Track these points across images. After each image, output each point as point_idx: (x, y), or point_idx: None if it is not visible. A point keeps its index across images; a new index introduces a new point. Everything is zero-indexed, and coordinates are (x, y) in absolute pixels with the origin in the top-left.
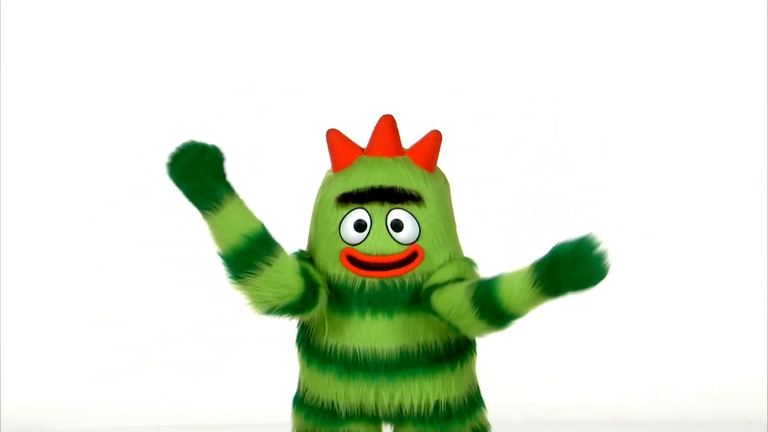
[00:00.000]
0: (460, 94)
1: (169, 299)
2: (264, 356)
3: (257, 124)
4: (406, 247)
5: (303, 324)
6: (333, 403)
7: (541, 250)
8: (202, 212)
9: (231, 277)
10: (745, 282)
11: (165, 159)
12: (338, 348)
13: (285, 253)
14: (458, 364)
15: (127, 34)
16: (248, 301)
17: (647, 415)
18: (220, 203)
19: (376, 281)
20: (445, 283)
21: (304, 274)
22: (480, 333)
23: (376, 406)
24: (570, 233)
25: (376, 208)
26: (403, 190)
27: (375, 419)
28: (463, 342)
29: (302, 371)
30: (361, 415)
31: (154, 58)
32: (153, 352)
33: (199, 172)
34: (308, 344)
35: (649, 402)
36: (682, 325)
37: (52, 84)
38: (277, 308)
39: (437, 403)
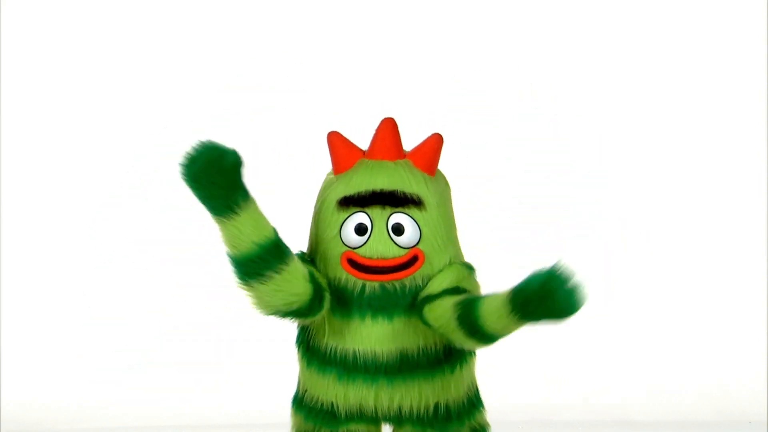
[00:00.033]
0: (460, 94)
1: (169, 299)
2: (264, 356)
3: (257, 124)
4: (406, 250)
5: (303, 325)
6: (332, 404)
7: (541, 250)
8: (215, 217)
9: (238, 279)
10: (745, 282)
11: (180, 159)
12: (338, 350)
13: (295, 260)
14: (458, 367)
15: (127, 35)
16: (253, 303)
17: (647, 415)
18: (235, 211)
19: (376, 284)
20: (439, 294)
21: (312, 279)
22: (473, 347)
23: (375, 408)
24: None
25: (377, 211)
26: (404, 194)
27: (374, 419)
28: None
29: (302, 372)
30: (360, 416)
31: (155, 59)
32: (153, 352)
33: (216, 178)
34: (308, 346)
35: (649, 402)
36: (682, 325)
37: (52, 84)
38: (282, 312)
39: (437, 406)
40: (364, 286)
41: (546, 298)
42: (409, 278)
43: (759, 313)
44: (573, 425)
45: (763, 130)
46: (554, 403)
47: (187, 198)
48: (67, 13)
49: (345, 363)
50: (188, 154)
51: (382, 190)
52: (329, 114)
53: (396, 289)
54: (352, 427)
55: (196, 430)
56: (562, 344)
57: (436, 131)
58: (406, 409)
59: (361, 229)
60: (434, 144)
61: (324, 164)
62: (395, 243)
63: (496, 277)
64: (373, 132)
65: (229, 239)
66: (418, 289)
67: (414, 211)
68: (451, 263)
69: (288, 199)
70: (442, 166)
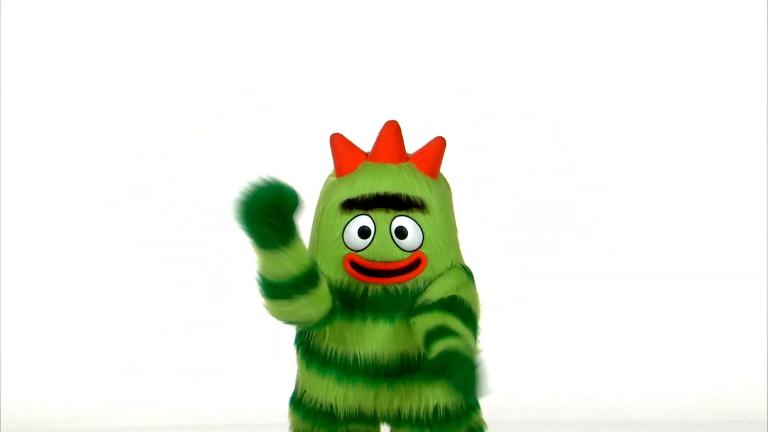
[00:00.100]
0: (460, 94)
1: (169, 299)
2: (264, 356)
3: (257, 124)
4: (409, 254)
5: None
6: (332, 405)
7: (541, 250)
8: (258, 249)
9: (265, 298)
10: (745, 282)
11: (238, 195)
12: (339, 352)
13: (324, 281)
14: None
15: (127, 35)
16: (270, 314)
17: (647, 415)
18: (281, 248)
19: (378, 287)
20: (431, 306)
21: (332, 293)
22: None
23: (374, 410)
24: (570, 233)
25: (380, 215)
26: (407, 197)
27: (373, 420)
28: None
29: (301, 373)
30: (359, 417)
31: (154, 59)
32: (153, 352)
33: (273, 220)
34: (308, 347)
35: (649, 402)
36: (682, 325)
37: (52, 84)
38: (298, 325)
39: (436, 408)
40: (366, 289)
41: (446, 376)
42: (411, 281)
43: (759, 314)
44: (573, 425)
45: (763, 130)
46: (554, 403)
47: (187, 198)
48: (66, 13)
49: (345, 365)
50: (249, 192)
51: (385, 194)
52: (329, 114)
53: (398, 292)
54: (351, 427)
55: (196, 430)
56: (562, 344)
57: (438, 133)
58: (405, 411)
59: (364, 232)
60: (437, 147)
61: (324, 165)
62: (398, 246)
63: (496, 277)
64: (377, 134)
65: (267, 267)
66: (419, 292)
67: (417, 215)
68: (452, 266)
69: None
70: (442, 166)
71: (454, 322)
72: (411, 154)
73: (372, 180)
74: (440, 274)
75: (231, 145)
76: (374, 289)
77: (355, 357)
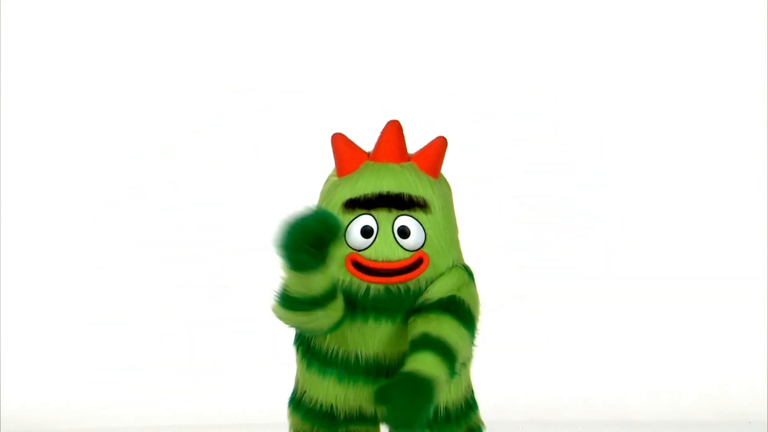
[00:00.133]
0: (460, 94)
1: (169, 299)
2: (264, 356)
3: (257, 124)
4: (411, 253)
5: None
6: (332, 406)
7: (541, 250)
8: (289, 270)
9: (281, 308)
10: (745, 282)
11: (282, 223)
12: (340, 352)
13: (340, 295)
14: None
15: (127, 35)
16: (278, 318)
17: (647, 415)
18: (314, 272)
19: (381, 287)
20: (428, 307)
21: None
22: None
23: (375, 410)
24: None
25: (383, 214)
26: (410, 197)
27: (374, 421)
28: None
29: (301, 373)
30: (359, 417)
31: (154, 58)
32: (153, 352)
33: (314, 247)
34: (308, 347)
35: (649, 402)
36: (682, 325)
37: (51, 84)
38: (304, 331)
39: (437, 408)
40: (368, 289)
41: (383, 405)
42: (413, 281)
43: (759, 314)
44: (573, 425)
45: (763, 130)
46: (554, 403)
47: (187, 198)
48: (66, 13)
49: (347, 365)
50: (295, 221)
51: (388, 193)
52: (329, 114)
53: (400, 291)
54: (351, 428)
55: (196, 430)
56: (562, 344)
57: (439, 133)
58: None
59: (367, 232)
60: (439, 147)
61: (324, 165)
62: (400, 246)
63: (496, 277)
64: (378, 134)
65: (294, 285)
66: (421, 292)
67: (420, 214)
68: (453, 266)
69: (288, 198)
70: (443, 166)
71: (446, 326)
72: (412, 154)
73: (374, 179)
74: (441, 274)
75: (231, 145)
76: (376, 288)
77: (357, 357)
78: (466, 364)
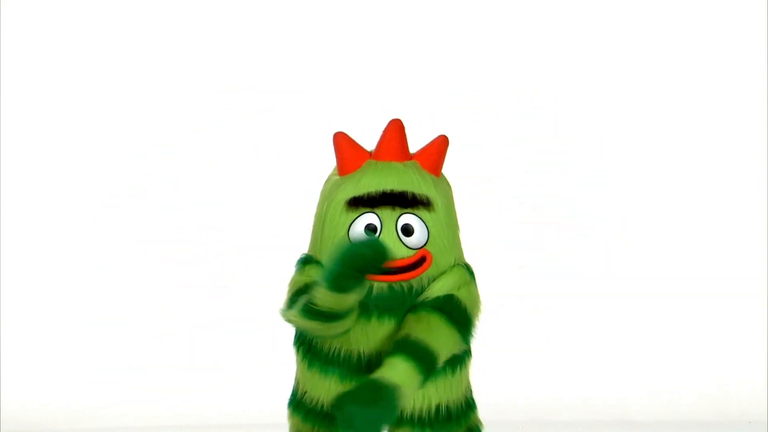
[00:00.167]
0: (460, 94)
1: (169, 299)
2: (264, 356)
3: (257, 124)
4: (414, 251)
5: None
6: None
7: (541, 250)
8: (327, 290)
9: (300, 315)
10: (745, 282)
11: (343, 247)
12: (342, 351)
13: (357, 308)
14: (457, 368)
15: (127, 34)
16: (295, 325)
17: (647, 415)
18: (352, 292)
19: (384, 285)
20: (424, 303)
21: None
22: None
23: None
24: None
25: (386, 212)
26: (413, 195)
27: None
28: None
29: (301, 373)
30: None
31: (154, 58)
32: (153, 352)
33: (362, 274)
34: (309, 347)
35: (649, 402)
36: (682, 325)
37: (51, 84)
38: (316, 336)
39: (438, 407)
40: (371, 287)
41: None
42: (416, 279)
43: (759, 314)
44: (573, 425)
45: (763, 130)
46: (554, 403)
47: (187, 198)
48: (66, 13)
49: (349, 364)
50: (352, 249)
51: (392, 191)
52: (329, 114)
53: (403, 289)
54: None
55: (196, 430)
56: (562, 344)
57: (439, 132)
58: (407, 409)
59: (370, 230)
60: (440, 145)
61: (324, 165)
62: (404, 244)
63: (496, 277)
64: (380, 133)
65: (326, 302)
66: (423, 290)
67: (423, 212)
68: (455, 265)
69: (288, 198)
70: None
71: (433, 326)
72: (414, 153)
73: (378, 178)
74: (443, 272)
75: (231, 145)
76: (380, 286)
77: (359, 356)
78: (466, 364)
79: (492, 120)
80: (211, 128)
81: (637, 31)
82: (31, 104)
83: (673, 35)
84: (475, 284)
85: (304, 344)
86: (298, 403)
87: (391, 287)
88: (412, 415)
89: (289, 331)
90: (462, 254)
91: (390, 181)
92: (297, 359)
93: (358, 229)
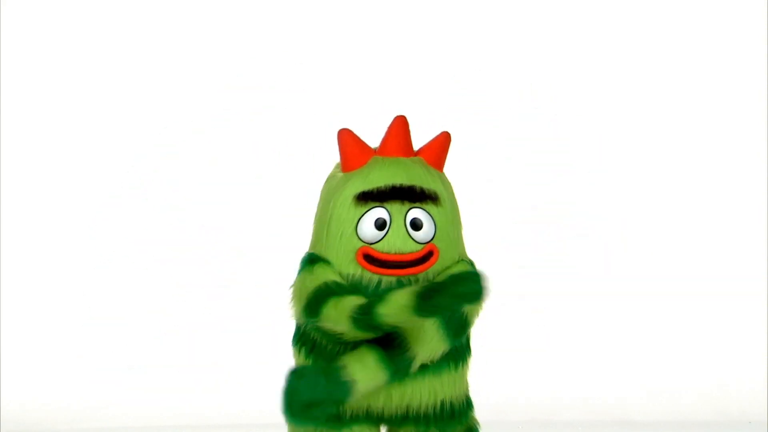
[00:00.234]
0: (460, 94)
1: (169, 299)
2: (264, 356)
3: (257, 124)
4: (422, 246)
5: (304, 326)
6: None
7: (541, 250)
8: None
9: (310, 317)
10: (745, 282)
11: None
12: (349, 348)
13: None
14: (460, 364)
15: (127, 34)
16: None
17: (647, 415)
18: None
19: (393, 279)
20: None
21: None
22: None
23: (383, 408)
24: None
25: (396, 206)
26: (422, 189)
27: (379, 420)
28: (463, 342)
29: None
30: (366, 417)
31: (154, 58)
32: (153, 352)
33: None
34: (313, 345)
35: (649, 402)
36: (682, 325)
37: (51, 84)
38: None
39: (442, 403)
40: (380, 282)
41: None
42: (422, 274)
43: (759, 314)
44: (573, 425)
45: (763, 130)
46: (554, 403)
47: (187, 198)
48: (66, 13)
49: None
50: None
51: (401, 185)
52: (329, 114)
53: (411, 283)
54: (355, 428)
55: (196, 430)
56: (562, 344)
57: (439, 130)
58: (414, 406)
59: (381, 224)
60: (443, 142)
61: (325, 165)
62: (412, 238)
63: (496, 277)
64: (386, 129)
65: (398, 321)
66: None
67: (431, 207)
68: (459, 260)
69: (288, 199)
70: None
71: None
72: (417, 150)
73: (387, 172)
74: (448, 267)
75: (231, 145)
76: (388, 281)
77: None
78: (467, 361)
79: (492, 120)
80: (211, 128)
81: (637, 31)
82: (31, 104)
83: (673, 35)
84: None
85: (307, 343)
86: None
87: (399, 281)
88: (417, 412)
89: (289, 331)
90: (465, 251)
91: (399, 176)
92: (298, 359)
93: (366, 224)
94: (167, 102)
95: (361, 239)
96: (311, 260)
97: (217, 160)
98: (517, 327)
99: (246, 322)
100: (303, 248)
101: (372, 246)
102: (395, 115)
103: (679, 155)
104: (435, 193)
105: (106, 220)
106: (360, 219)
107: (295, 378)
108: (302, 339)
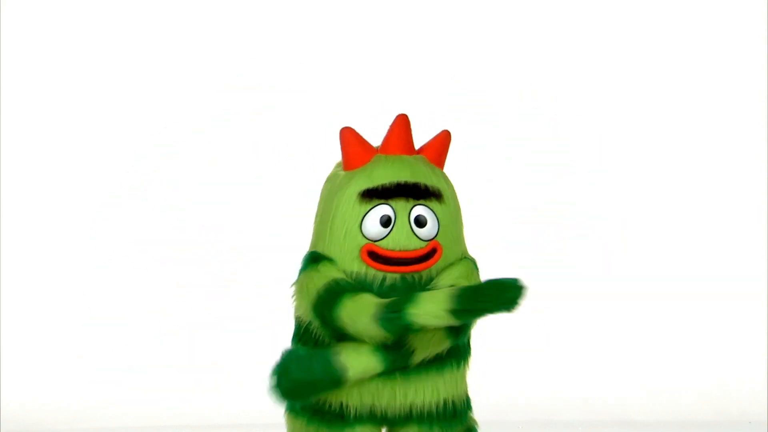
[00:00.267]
0: (461, 94)
1: (169, 299)
2: (264, 356)
3: (257, 124)
4: (426, 243)
5: (305, 324)
6: (342, 405)
7: (541, 250)
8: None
9: (383, 327)
10: (745, 282)
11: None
12: None
13: None
14: (462, 363)
15: (127, 34)
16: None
17: (647, 415)
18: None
19: (397, 276)
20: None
21: None
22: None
23: (386, 407)
24: (570, 233)
25: (400, 203)
26: (426, 186)
27: (382, 420)
28: (464, 341)
29: None
30: (369, 416)
31: (154, 58)
32: (153, 352)
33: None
34: (316, 343)
35: (649, 402)
36: (682, 325)
37: (52, 84)
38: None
39: (445, 402)
40: (384, 279)
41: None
42: (425, 270)
43: (759, 314)
44: (573, 425)
45: (763, 130)
46: (554, 403)
47: (187, 198)
48: (66, 13)
49: None
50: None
51: (406, 182)
52: (329, 114)
53: (415, 280)
54: (358, 429)
55: (196, 430)
56: (562, 344)
57: (439, 130)
58: (418, 404)
59: (386, 221)
60: (444, 140)
61: (325, 165)
62: (416, 235)
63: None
64: (388, 127)
65: (429, 323)
66: (432, 281)
67: (434, 204)
68: (462, 258)
69: (288, 199)
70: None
71: None
72: (418, 148)
73: (391, 170)
74: (451, 264)
75: (231, 145)
76: (393, 278)
77: None
78: (468, 360)
79: (492, 120)
80: (211, 128)
81: (637, 31)
82: (31, 104)
83: (672, 35)
84: (479, 277)
85: (310, 342)
86: (302, 405)
87: (403, 278)
88: (420, 411)
89: (289, 331)
90: (467, 249)
91: (403, 173)
92: None
93: (371, 221)
94: (167, 102)
95: (365, 236)
96: (314, 258)
97: (217, 160)
98: (517, 327)
99: (246, 322)
100: (303, 248)
101: (376, 243)
102: (397, 114)
103: (679, 155)
104: (439, 191)
105: (107, 220)
106: (365, 216)
107: (287, 357)
108: (303, 338)
